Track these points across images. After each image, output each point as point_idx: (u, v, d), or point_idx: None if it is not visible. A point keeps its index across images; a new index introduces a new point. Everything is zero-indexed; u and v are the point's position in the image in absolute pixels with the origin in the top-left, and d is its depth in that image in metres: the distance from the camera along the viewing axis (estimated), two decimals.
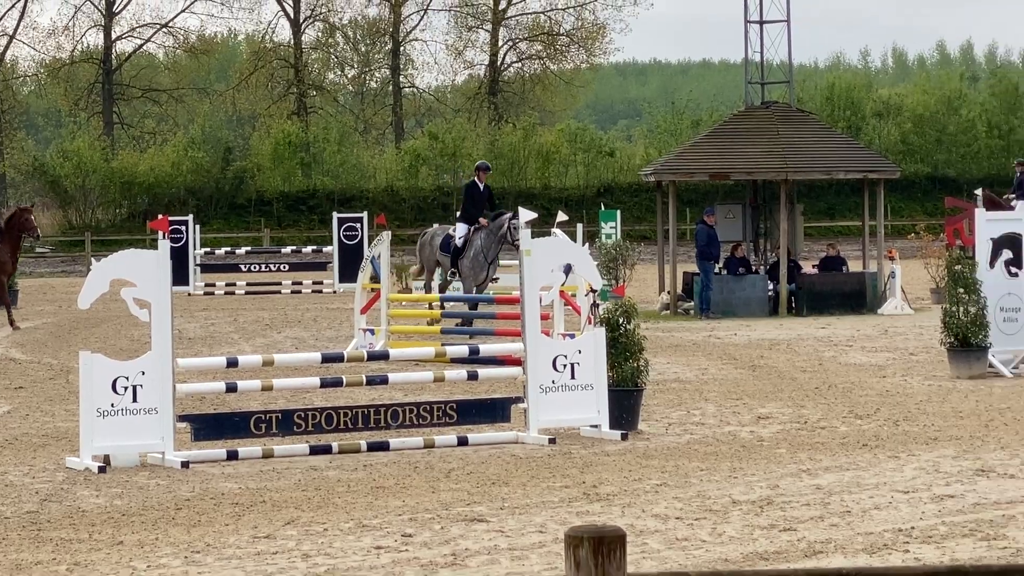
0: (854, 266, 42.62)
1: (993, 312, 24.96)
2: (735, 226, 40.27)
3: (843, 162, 41.17)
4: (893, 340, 31.54)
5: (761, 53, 42.86)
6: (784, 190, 39.19)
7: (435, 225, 38.91)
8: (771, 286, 39.17)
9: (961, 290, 24.78)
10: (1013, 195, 44.77)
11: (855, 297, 39.11)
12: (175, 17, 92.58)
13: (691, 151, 42.68)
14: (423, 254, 34.42)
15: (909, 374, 25.72)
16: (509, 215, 32.09)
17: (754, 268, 39.89)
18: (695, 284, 39.47)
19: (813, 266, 41.92)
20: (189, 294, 48.93)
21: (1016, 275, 25.22)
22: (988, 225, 25.87)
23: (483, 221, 32.75)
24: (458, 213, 34.93)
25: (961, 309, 24.72)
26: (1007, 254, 25.34)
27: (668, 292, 40.44)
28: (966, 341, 24.78)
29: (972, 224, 27.58)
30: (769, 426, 20.25)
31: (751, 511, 14.61)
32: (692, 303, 39.42)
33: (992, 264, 25.32)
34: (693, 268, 40.63)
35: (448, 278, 34.39)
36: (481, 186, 33.61)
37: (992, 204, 37.75)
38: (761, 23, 42.71)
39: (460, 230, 33.00)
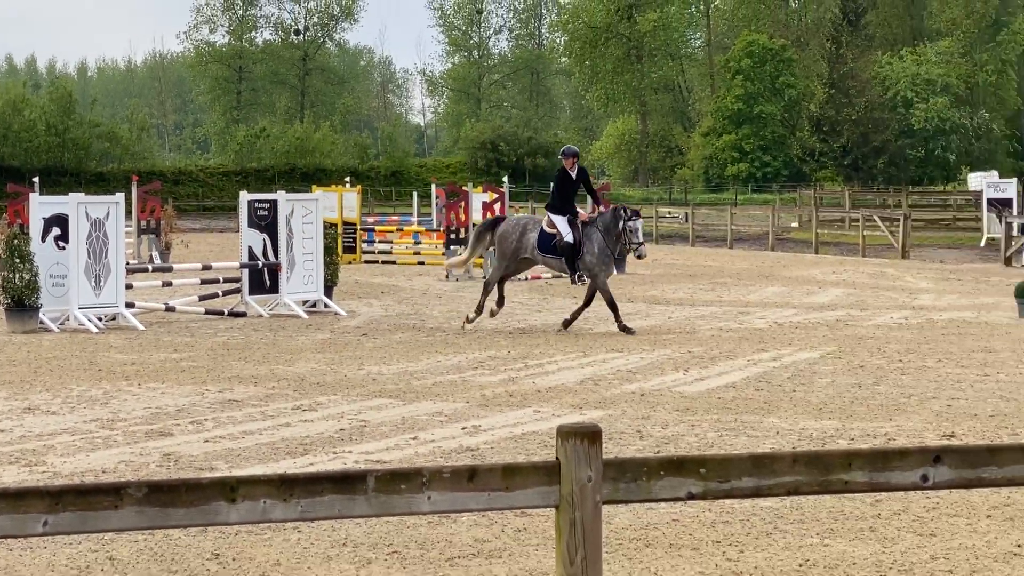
0: None
1: (44, 279, 24.81)
2: None
3: None
4: None
5: None
6: None
7: (517, 215, 27.37)
8: None
9: (18, 260, 24.58)
10: None
11: None
12: None
13: None
14: (504, 245, 24.97)
15: None
16: (623, 215, 24.36)
17: None
18: None
19: None
20: None
21: (64, 248, 25.08)
22: (40, 207, 25.64)
23: (583, 215, 24.35)
24: (546, 204, 25.42)
25: (17, 276, 24.55)
26: (56, 231, 25.20)
27: None
28: (21, 302, 24.57)
29: (29, 206, 27.21)
30: None
31: None
32: None
33: (44, 239, 25.12)
34: None
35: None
36: (573, 174, 24.40)
37: None
38: None
39: (560, 225, 24.18)
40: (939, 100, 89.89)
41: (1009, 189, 55.28)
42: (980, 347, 21.42)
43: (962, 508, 11.18)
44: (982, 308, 29.32)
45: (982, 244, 54.76)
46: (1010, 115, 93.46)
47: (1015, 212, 50.07)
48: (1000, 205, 52.92)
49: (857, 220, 56.89)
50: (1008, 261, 44.46)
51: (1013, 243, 45.56)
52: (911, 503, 11.26)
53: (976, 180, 67.44)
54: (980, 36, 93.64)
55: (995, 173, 68.27)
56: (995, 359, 20.23)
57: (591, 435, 5.45)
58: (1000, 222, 48.48)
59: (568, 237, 23.94)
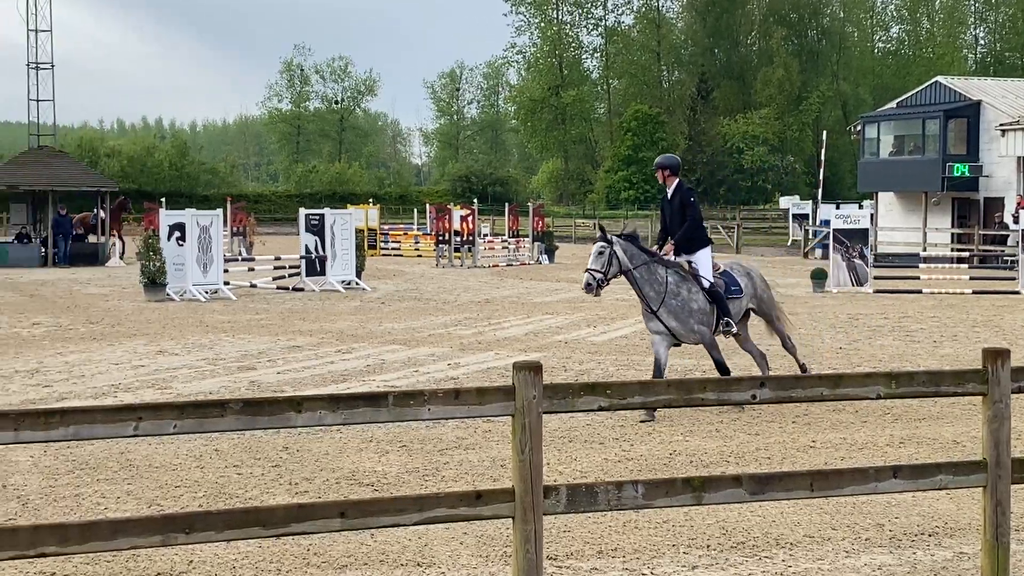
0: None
1: (169, 265, 24.65)
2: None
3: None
4: (115, 280, 30.41)
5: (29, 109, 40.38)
6: (52, 197, 37.09)
7: None
8: (42, 250, 37.00)
9: (151, 253, 24.48)
10: None
11: (93, 256, 37.70)
12: None
13: None
14: None
15: (123, 299, 24.85)
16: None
17: (31, 240, 37.61)
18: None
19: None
20: None
21: (182, 245, 24.88)
22: (166, 218, 25.38)
23: (668, 247, 12.92)
24: None
25: (151, 263, 24.45)
26: (177, 234, 24.99)
27: None
28: (154, 281, 24.40)
29: (159, 217, 26.87)
30: (38, 328, 19.05)
31: (26, 376, 13.70)
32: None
33: (169, 239, 24.90)
34: None
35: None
36: (669, 192, 12.93)
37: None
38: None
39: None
40: (760, 149, 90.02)
41: (806, 208, 55.47)
42: (789, 312, 21.54)
43: (776, 416, 11.26)
44: (789, 286, 29.45)
45: (788, 244, 54.91)
46: (807, 158, 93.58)
47: (810, 223, 50.24)
48: (801, 218, 53.14)
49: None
50: (806, 255, 44.63)
51: (809, 243, 45.76)
52: (744, 413, 11.32)
53: (785, 202, 67.45)
54: (788, 106, 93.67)
55: (797, 197, 68.30)
56: (798, 320, 20.35)
57: (535, 368, 5.46)
58: (801, 229, 48.71)
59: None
